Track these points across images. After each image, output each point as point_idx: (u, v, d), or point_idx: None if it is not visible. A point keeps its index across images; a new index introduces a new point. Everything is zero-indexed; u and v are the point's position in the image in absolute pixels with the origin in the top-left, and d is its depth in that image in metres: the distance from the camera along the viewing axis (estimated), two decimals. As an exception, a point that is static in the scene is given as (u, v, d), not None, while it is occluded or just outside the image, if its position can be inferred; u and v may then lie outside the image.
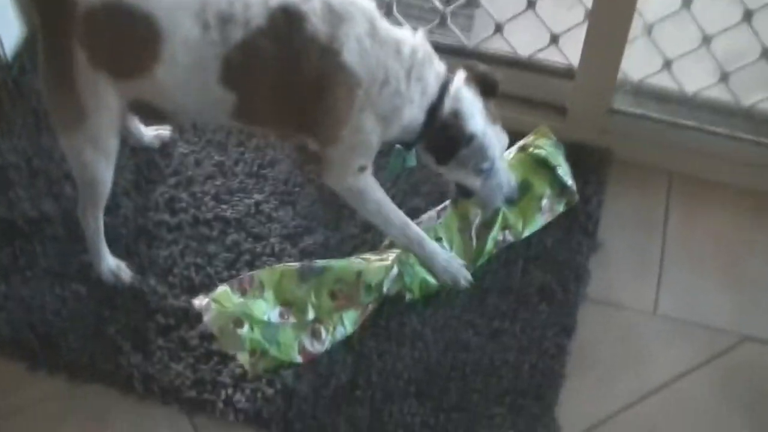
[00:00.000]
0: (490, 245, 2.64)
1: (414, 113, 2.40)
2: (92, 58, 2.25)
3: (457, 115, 2.39)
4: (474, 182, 2.50)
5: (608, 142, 2.87)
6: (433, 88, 2.40)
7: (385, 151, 2.53)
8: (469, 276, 2.60)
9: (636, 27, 2.69)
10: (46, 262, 2.64)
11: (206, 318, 2.47)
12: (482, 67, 2.50)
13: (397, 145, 2.52)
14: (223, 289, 2.50)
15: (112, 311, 2.56)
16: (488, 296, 2.61)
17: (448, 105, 2.39)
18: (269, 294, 2.50)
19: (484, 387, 2.46)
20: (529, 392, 2.46)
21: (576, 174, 2.77)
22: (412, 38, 2.38)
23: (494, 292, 2.62)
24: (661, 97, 2.86)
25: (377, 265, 2.56)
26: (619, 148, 2.88)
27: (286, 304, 2.50)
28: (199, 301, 2.50)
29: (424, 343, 2.53)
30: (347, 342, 2.51)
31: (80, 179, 2.48)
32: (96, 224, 2.56)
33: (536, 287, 2.62)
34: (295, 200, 2.78)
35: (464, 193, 2.56)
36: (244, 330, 2.43)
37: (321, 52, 2.27)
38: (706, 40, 2.74)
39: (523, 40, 2.93)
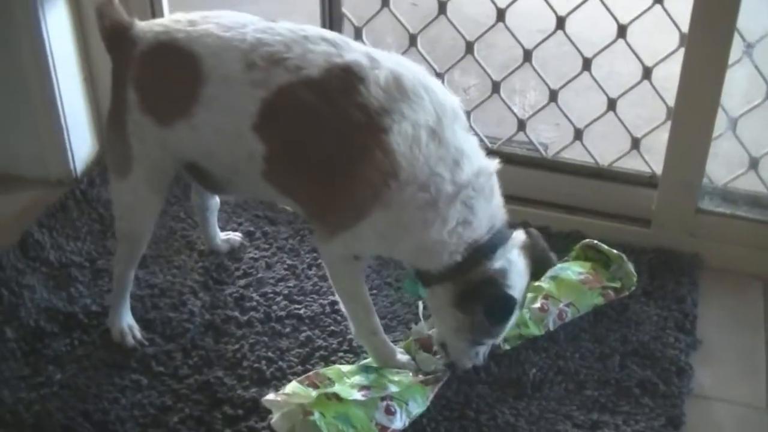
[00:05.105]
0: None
1: (444, 238, 2.06)
2: (142, 102, 2.20)
3: (504, 275, 2.11)
4: (460, 346, 2.24)
5: (697, 246, 2.76)
6: (481, 227, 2.08)
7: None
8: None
9: (720, 123, 2.66)
10: (106, 354, 2.46)
11: (275, 418, 2.23)
12: (542, 241, 2.24)
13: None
14: (293, 384, 2.29)
15: (174, 401, 2.35)
16: (585, 389, 2.40)
17: (499, 260, 2.10)
18: (340, 385, 2.28)
19: (590, 477, 2.22)
20: (640, 483, 2.21)
21: (666, 276, 2.68)
22: (485, 162, 2.10)
23: (591, 384, 2.41)
24: (750, 196, 2.78)
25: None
26: (709, 251, 2.76)
27: (362, 389, 2.27)
28: (269, 399, 2.26)
29: (519, 434, 2.31)
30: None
31: (119, 229, 2.45)
32: (125, 279, 2.48)
33: (636, 380, 2.41)
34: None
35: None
36: (316, 416, 2.16)
37: (367, 122, 2.00)
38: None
39: (602, 149, 2.91)
